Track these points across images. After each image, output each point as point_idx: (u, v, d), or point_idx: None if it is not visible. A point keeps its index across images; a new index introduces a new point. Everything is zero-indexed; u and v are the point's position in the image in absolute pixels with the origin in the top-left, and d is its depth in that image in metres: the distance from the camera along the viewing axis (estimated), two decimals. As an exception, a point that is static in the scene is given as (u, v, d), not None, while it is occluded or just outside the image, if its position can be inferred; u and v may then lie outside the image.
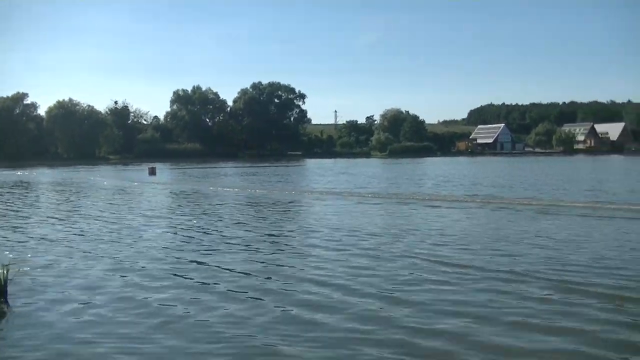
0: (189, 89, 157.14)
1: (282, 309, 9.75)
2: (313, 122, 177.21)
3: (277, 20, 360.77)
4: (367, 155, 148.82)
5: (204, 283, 11.55)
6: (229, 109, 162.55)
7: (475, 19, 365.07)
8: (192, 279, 11.96)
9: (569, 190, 34.18)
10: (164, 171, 69.29)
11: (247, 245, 15.91)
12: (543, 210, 23.79)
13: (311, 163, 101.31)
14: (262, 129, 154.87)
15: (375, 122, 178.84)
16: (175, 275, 12.33)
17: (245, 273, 12.43)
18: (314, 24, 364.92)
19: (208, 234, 18.47)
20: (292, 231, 18.97)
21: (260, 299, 10.34)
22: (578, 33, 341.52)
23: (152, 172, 59.73)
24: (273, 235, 18.06)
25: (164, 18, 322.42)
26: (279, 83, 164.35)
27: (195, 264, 13.52)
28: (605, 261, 13.14)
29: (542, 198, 29.11)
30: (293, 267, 13.06)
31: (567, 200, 27.75)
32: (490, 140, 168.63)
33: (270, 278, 11.99)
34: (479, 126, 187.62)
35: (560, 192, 32.89)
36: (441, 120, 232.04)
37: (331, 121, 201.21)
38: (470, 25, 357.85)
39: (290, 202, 29.93)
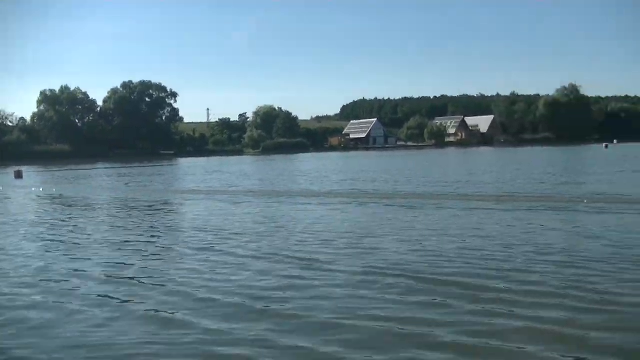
0: (57, 89, 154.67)
1: (142, 311, 9.74)
2: (185, 120, 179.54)
3: (147, 19, 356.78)
4: (240, 152, 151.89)
5: (63, 289, 11.39)
6: (99, 109, 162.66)
7: (345, 15, 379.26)
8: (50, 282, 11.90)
9: (440, 182, 35.70)
10: (31, 174, 67.57)
11: (110, 248, 15.71)
12: (413, 205, 24.41)
13: (184, 162, 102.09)
14: (133, 128, 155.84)
15: (248, 120, 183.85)
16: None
17: (107, 276, 12.22)
18: (186, 20, 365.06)
19: (67, 236, 18.16)
20: (156, 232, 18.70)
21: (121, 303, 10.25)
22: (445, 28, 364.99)
23: (19, 175, 58.80)
24: (138, 236, 17.90)
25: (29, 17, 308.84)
26: (150, 82, 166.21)
27: (52, 267, 13.37)
28: (470, 252, 13.54)
29: (413, 192, 30.13)
30: (155, 269, 12.93)
31: (435, 193, 28.99)
32: (363, 135, 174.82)
33: (130, 281, 11.87)
34: (352, 121, 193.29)
35: (432, 185, 34.13)
36: (314, 116, 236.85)
37: (204, 119, 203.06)
38: (341, 21, 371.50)
39: (157, 203, 29.58)
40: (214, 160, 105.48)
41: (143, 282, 11.82)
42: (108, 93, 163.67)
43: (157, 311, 9.81)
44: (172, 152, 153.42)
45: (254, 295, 10.58)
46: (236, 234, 17.73)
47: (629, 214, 19.54)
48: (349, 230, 17.71)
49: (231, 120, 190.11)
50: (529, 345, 7.81)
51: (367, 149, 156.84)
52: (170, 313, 9.66)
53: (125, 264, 13.76)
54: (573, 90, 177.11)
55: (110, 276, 12.37)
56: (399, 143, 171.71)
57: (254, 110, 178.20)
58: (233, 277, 12.01)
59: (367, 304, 9.83)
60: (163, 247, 15.84)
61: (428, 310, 9.38)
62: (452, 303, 9.66)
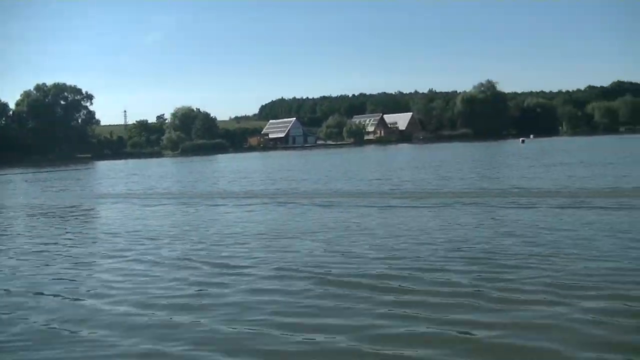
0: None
1: (46, 323, 9.49)
2: (102, 123, 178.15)
3: (62, 20, 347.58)
4: (158, 154, 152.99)
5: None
6: (11, 112, 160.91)
7: (261, 15, 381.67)
8: None
9: (359, 180, 36.43)
10: None
11: (18, 257, 15.38)
12: (332, 204, 24.75)
13: (101, 165, 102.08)
14: (48, 132, 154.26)
15: (166, 121, 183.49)
16: None
17: (5, 290, 11.88)
18: (100, 21, 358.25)
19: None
20: (68, 239, 18.30)
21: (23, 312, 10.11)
22: (362, 27, 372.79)
23: None
24: (46, 244, 17.50)
25: None
26: (64, 84, 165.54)
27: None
28: (384, 252, 13.65)
29: (332, 190, 30.64)
30: (62, 279, 12.58)
31: (353, 191, 29.68)
32: (282, 135, 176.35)
33: (34, 289, 11.63)
34: (271, 121, 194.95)
35: (351, 183, 34.68)
36: (233, 117, 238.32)
37: (121, 121, 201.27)
38: (256, 21, 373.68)
39: (71, 207, 29.05)
40: (132, 163, 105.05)
41: (42, 294, 11.45)
42: (21, 96, 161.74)
43: (48, 323, 9.55)
44: (89, 156, 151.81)
45: (152, 302, 10.36)
46: (150, 238, 17.58)
47: (542, 208, 20.15)
48: (265, 232, 17.76)
49: (149, 121, 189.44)
50: (431, 349, 7.75)
51: (286, 148, 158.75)
52: (60, 322, 9.45)
53: (23, 273, 13.32)
54: (490, 86, 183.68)
55: (9, 290, 11.90)
56: (319, 142, 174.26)
57: (172, 111, 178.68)
58: (139, 283, 11.83)
59: (276, 308, 9.72)
60: (75, 254, 15.41)
61: (334, 314, 9.29)
62: (358, 306, 9.60)
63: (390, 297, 9.99)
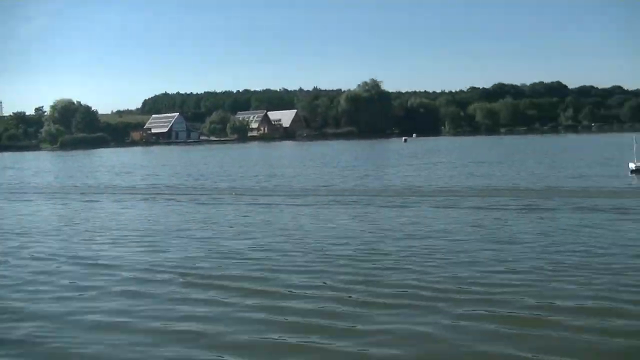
0: None
1: None
2: None
3: None
4: (36, 148, 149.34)
5: None
6: None
7: (144, 7, 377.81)
8: None
9: (241, 177, 37.49)
10: None
11: None
12: (212, 200, 25.46)
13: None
14: None
15: (45, 114, 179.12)
16: None
17: None
18: None
19: None
20: None
21: None
22: (247, 24, 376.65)
23: None
24: None
25: None
26: None
27: None
28: (256, 250, 14.01)
29: (213, 187, 31.50)
30: None
31: (235, 187, 30.48)
32: (165, 130, 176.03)
33: None
34: (154, 116, 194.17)
35: (232, 180, 35.61)
36: (115, 111, 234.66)
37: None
38: (140, 14, 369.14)
39: None
40: (8, 156, 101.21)
41: None
42: None
43: None
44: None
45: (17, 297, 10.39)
46: (18, 234, 17.28)
47: (420, 207, 21.22)
48: (141, 228, 17.79)
49: (27, 114, 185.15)
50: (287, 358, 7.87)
51: (169, 143, 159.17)
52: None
53: None
54: (374, 85, 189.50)
55: None
56: (202, 137, 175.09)
57: (51, 104, 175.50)
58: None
59: (143, 305, 9.87)
60: None
61: (195, 317, 9.34)
62: (219, 309, 9.66)
63: (252, 301, 10.03)
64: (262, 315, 9.28)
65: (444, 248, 13.88)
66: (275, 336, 8.46)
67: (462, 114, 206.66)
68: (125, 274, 12.00)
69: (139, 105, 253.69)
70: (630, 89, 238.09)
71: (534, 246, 13.82)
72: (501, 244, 14.13)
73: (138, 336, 8.58)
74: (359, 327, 8.70)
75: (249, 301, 9.97)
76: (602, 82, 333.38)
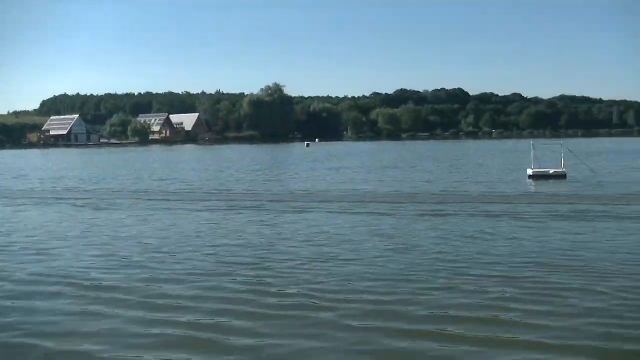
0: None
1: None
2: None
3: None
4: None
5: None
6: None
7: (37, 6, 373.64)
8: None
9: (139, 180, 37.96)
10: None
11: None
12: (109, 205, 25.50)
13: None
14: None
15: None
16: None
17: None
18: None
19: None
20: None
21: None
22: (151, 27, 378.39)
23: None
24: None
25: None
26: None
27: None
28: (151, 257, 14.18)
29: (109, 189, 31.89)
30: None
31: (132, 191, 30.93)
32: (64, 132, 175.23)
33: None
34: (52, 117, 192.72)
35: (130, 183, 36.08)
36: (12, 111, 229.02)
37: None
38: (32, 13, 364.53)
39: None
40: None
41: None
42: None
43: None
44: None
45: None
46: None
47: (320, 212, 21.78)
48: (35, 234, 17.63)
49: None
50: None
51: (68, 146, 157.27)
52: None
53: None
54: (277, 89, 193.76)
55: None
56: (102, 140, 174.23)
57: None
58: None
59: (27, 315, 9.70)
60: None
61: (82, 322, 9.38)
62: (108, 311, 9.80)
63: (133, 312, 9.90)
64: (140, 330, 9.10)
65: (340, 254, 14.10)
66: (153, 354, 8.25)
67: (364, 119, 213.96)
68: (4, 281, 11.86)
69: (37, 106, 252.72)
70: (529, 97, 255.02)
71: (430, 253, 14.15)
72: (398, 250, 14.44)
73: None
74: (246, 341, 8.60)
75: (131, 313, 9.84)
76: (503, 89, 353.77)
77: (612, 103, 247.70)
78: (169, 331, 8.95)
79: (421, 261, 13.24)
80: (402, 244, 15.35)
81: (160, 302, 10.40)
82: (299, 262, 13.33)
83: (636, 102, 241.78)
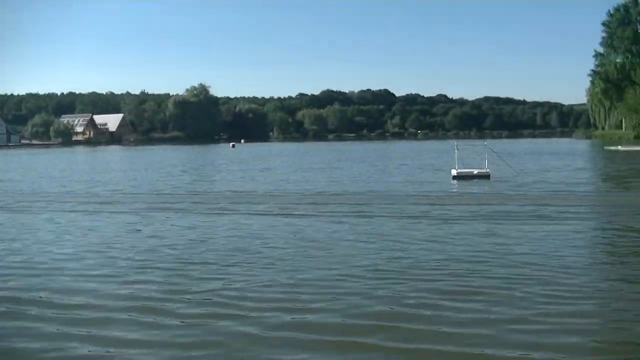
0: None
1: None
2: None
3: None
4: None
5: None
6: None
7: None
8: None
9: (60, 182, 37.67)
10: None
11: None
12: (20, 208, 25.33)
13: None
14: None
15: None
16: None
17: None
18: None
19: None
20: None
21: None
22: (68, 26, 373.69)
23: None
24: None
25: None
26: None
27: None
28: (64, 261, 14.16)
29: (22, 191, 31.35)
30: None
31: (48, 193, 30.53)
32: None
33: None
34: None
35: (48, 185, 35.82)
36: None
37: None
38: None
39: None
40: None
41: None
42: None
43: None
44: None
45: None
46: None
47: (240, 214, 22.00)
48: None
49: None
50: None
51: None
52: None
53: None
54: (202, 90, 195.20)
55: None
56: (23, 141, 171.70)
57: None
58: None
59: None
60: None
61: None
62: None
63: (62, 314, 9.96)
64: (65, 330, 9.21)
65: (257, 256, 14.24)
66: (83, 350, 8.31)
67: (290, 120, 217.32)
68: None
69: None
70: (454, 98, 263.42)
71: (350, 253, 14.36)
72: (316, 254, 14.39)
73: None
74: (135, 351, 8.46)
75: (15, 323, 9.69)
76: (428, 90, 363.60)
77: (536, 104, 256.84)
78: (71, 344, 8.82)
79: (339, 266, 13.12)
80: (323, 244, 15.56)
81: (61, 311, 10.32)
82: (211, 264, 13.56)
83: (559, 104, 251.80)
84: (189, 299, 10.84)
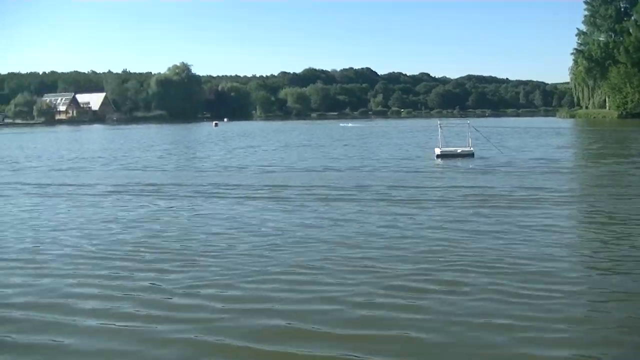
0: None
1: None
2: None
3: None
4: None
5: None
6: None
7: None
8: None
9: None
10: None
11: None
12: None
13: None
14: None
15: None
16: None
17: None
18: None
19: None
20: None
21: None
22: (52, 5, 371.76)
23: None
24: None
25: None
26: None
27: None
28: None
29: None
30: None
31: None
32: None
33: None
34: None
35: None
36: None
37: None
38: None
39: None
40: None
41: None
42: None
43: None
44: None
45: None
46: None
47: (228, 198, 21.69)
48: None
49: None
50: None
51: None
52: None
53: None
54: (184, 69, 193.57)
55: None
56: (6, 121, 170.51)
57: None
58: None
59: None
60: None
61: None
62: None
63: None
64: None
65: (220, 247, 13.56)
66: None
67: (273, 98, 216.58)
68: None
69: None
70: (437, 76, 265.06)
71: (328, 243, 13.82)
72: (285, 242, 13.96)
73: None
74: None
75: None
76: (410, 69, 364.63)
77: (519, 83, 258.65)
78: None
79: (302, 256, 12.45)
80: (293, 236, 14.43)
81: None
82: (173, 254, 12.90)
83: (542, 82, 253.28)
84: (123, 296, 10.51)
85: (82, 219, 17.12)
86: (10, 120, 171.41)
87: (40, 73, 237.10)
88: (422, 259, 11.95)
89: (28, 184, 26.51)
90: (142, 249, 13.19)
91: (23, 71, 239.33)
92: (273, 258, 12.24)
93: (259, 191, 22.52)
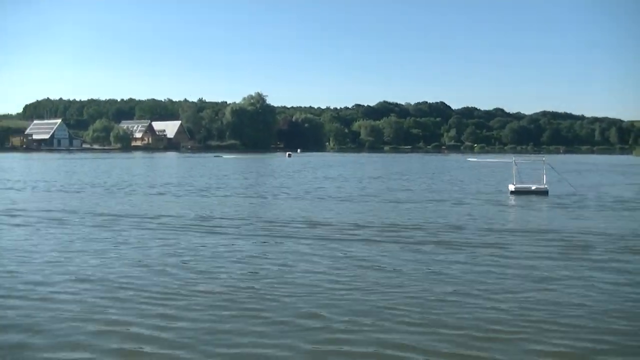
0: None
1: None
2: None
3: None
4: None
5: None
6: None
7: (21, 8, 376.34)
8: None
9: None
10: None
11: None
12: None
13: None
14: None
15: None
16: None
17: None
18: None
19: None
20: None
21: None
22: (125, 34, 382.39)
23: None
24: None
25: None
26: None
27: None
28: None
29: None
30: None
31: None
32: (47, 136, 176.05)
33: None
34: (35, 121, 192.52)
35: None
36: None
37: None
38: (16, 15, 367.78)
39: None
40: None
41: None
42: None
43: None
44: None
45: None
46: None
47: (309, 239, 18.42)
48: None
49: None
50: None
51: (51, 150, 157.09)
52: None
53: None
54: (259, 99, 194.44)
55: None
56: (85, 146, 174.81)
57: None
58: None
59: None
60: None
61: None
62: None
63: None
64: None
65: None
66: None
67: (346, 130, 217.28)
68: None
69: (20, 110, 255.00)
70: (511, 112, 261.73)
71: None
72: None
73: None
74: None
75: None
76: (485, 104, 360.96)
77: (594, 120, 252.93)
78: None
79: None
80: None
81: None
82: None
83: (618, 120, 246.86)
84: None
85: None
86: (87, 145, 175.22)
87: (119, 100, 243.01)
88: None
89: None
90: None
91: (102, 98, 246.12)
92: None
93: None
